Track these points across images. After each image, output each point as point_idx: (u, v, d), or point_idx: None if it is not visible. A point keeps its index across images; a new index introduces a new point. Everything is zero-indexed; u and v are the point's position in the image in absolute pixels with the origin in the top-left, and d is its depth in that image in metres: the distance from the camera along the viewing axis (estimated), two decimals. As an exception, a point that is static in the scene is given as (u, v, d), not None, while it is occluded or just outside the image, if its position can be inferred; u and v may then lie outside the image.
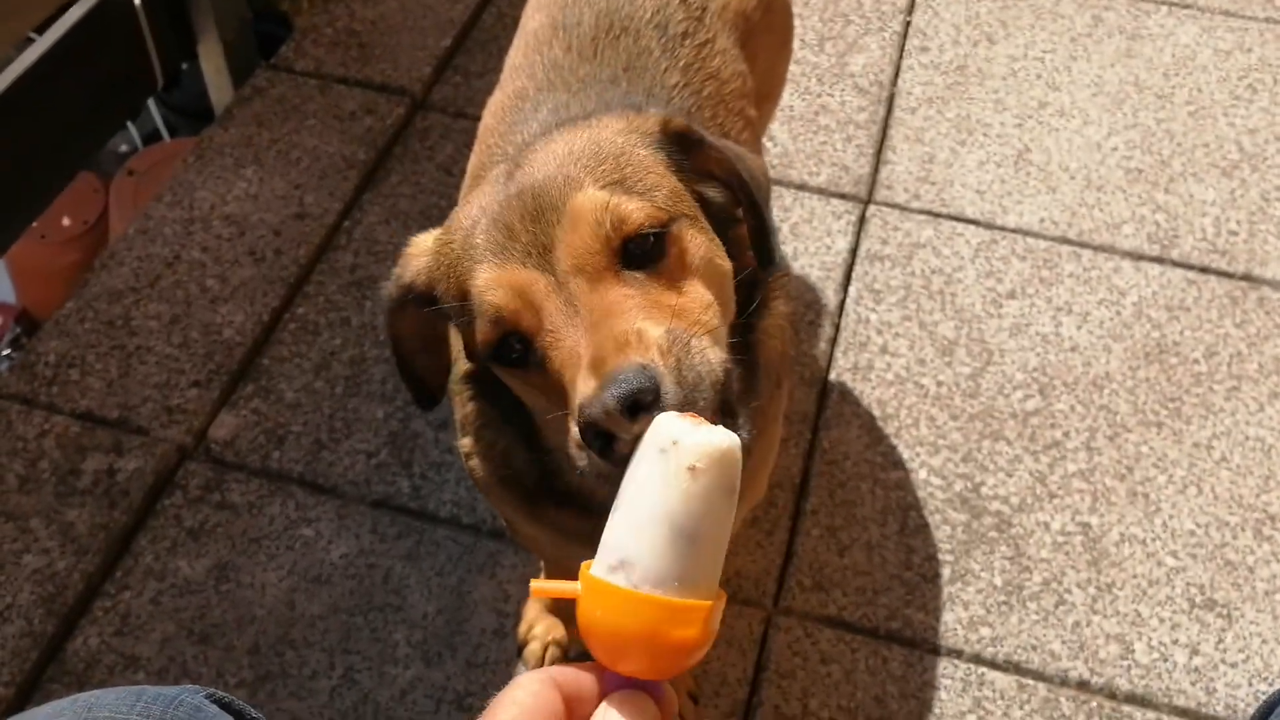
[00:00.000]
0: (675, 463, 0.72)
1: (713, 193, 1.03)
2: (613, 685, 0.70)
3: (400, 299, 1.05)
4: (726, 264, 1.00)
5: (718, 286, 0.97)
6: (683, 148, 1.01)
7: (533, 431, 1.07)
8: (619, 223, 0.90)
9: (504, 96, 1.38)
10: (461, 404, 1.20)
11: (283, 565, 1.68)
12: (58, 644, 1.61)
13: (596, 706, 0.69)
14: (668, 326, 0.85)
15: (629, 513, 0.72)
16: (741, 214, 1.05)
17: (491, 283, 0.91)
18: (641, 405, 0.78)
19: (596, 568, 0.72)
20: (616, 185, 0.93)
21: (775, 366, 1.14)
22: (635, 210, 0.91)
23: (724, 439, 0.73)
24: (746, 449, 1.12)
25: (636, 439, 0.76)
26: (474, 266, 0.93)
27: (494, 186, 0.98)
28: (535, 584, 0.73)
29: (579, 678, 0.70)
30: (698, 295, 0.92)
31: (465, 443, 1.20)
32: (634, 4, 1.35)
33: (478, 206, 0.97)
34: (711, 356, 0.85)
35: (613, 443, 0.78)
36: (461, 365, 1.13)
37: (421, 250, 1.04)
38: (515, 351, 0.92)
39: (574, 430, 0.84)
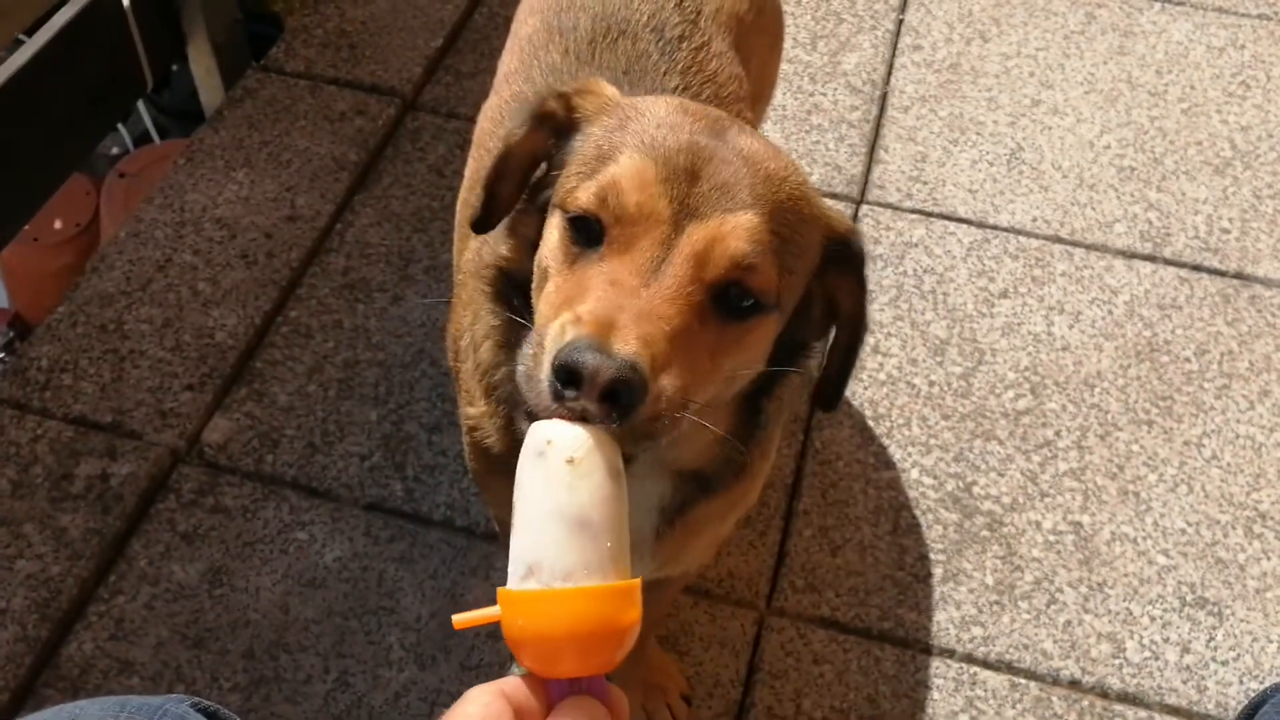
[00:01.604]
0: (553, 460, 0.75)
1: (818, 309, 1.01)
2: (558, 694, 0.71)
3: (552, 112, 1.01)
4: (761, 367, 0.98)
5: (739, 378, 0.96)
6: (840, 263, 0.99)
7: None
8: (751, 270, 0.88)
9: (500, 101, 1.38)
10: (471, 356, 1.15)
11: (276, 569, 1.68)
12: (52, 649, 1.61)
13: (545, 718, 0.70)
14: (681, 389, 0.83)
15: (524, 522, 0.75)
16: (829, 348, 1.04)
17: (636, 176, 0.89)
18: (615, 402, 0.78)
19: (509, 583, 0.74)
20: (779, 241, 0.90)
21: (778, 416, 1.13)
22: (769, 277, 0.89)
23: (595, 427, 0.77)
24: (736, 472, 1.11)
25: (582, 410, 0.78)
26: (639, 151, 0.91)
27: (709, 118, 0.95)
28: (458, 618, 0.74)
29: (528, 690, 0.71)
30: (717, 375, 0.90)
31: (474, 412, 1.17)
32: (630, 8, 1.35)
33: (682, 113, 0.95)
34: (668, 433, 0.84)
35: (566, 388, 0.78)
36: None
37: (606, 93, 1.00)
38: (589, 232, 0.90)
39: (553, 334, 0.82)
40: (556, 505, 0.74)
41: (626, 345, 0.80)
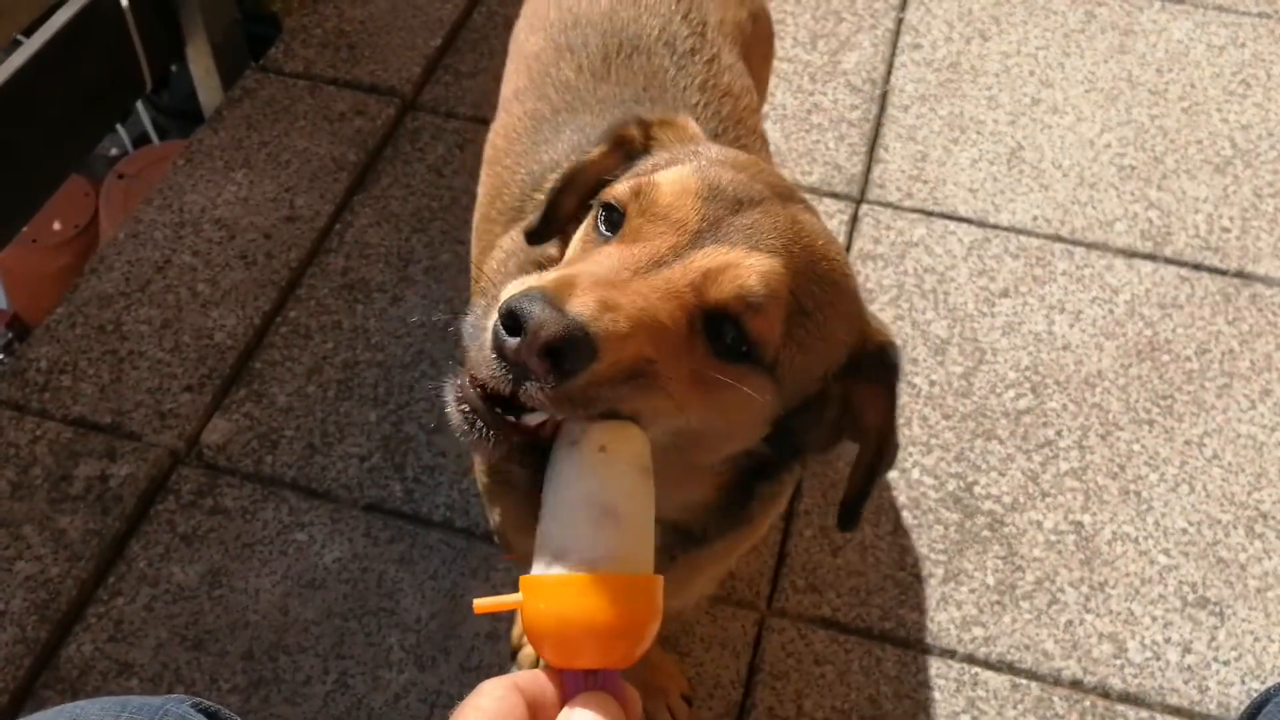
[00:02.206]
0: (586, 448, 0.75)
1: (832, 413, 0.94)
2: (573, 689, 0.71)
3: (631, 137, 0.99)
4: (744, 438, 0.92)
5: (715, 438, 0.90)
6: (872, 372, 0.93)
7: None
8: (747, 310, 0.82)
9: (513, 120, 1.37)
10: None
11: (276, 570, 1.68)
12: (51, 651, 1.60)
13: (559, 711, 0.70)
14: (646, 364, 0.77)
15: (553, 509, 0.75)
16: (852, 465, 0.98)
17: (679, 184, 0.86)
18: (556, 361, 0.72)
19: (534, 569, 0.74)
20: (795, 303, 0.84)
21: (762, 507, 1.09)
22: (766, 328, 0.82)
23: (629, 422, 0.76)
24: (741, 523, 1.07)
25: (515, 359, 0.72)
26: (688, 165, 0.89)
27: (770, 172, 0.93)
28: (479, 602, 0.73)
29: (542, 683, 0.71)
30: (685, 413, 0.83)
31: None
32: (639, 23, 1.35)
33: (749, 160, 0.93)
34: (614, 406, 0.77)
35: (510, 335, 0.73)
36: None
37: (690, 130, 1.00)
38: (608, 215, 0.88)
39: (503, 292, 0.76)
40: (586, 493, 0.74)
41: (582, 306, 0.73)
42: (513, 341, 0.72)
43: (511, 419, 0.78)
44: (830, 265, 0.89)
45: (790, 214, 0.89)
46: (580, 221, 1.00)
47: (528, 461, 0.81)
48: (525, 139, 1.32)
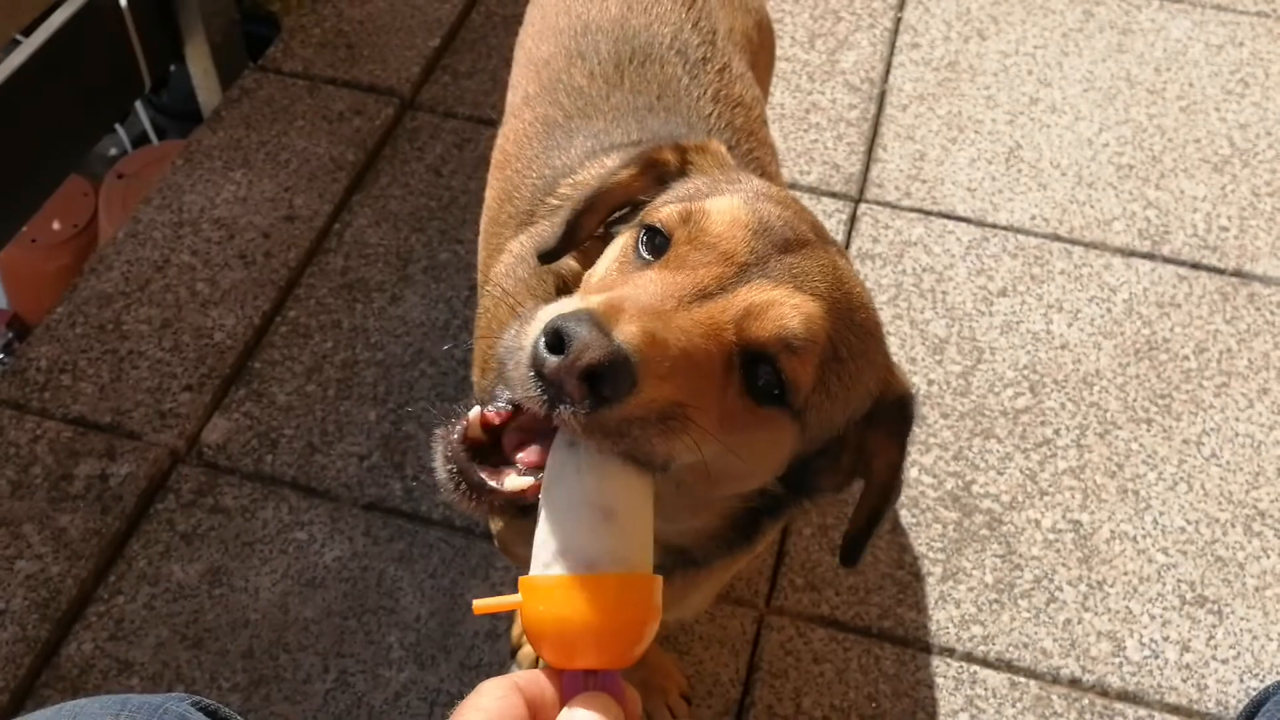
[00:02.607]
0: (584, 449, 0.75)
1: (848, 459, 0.95)
2: (572, 689, 0.71)
3: (665, 161, 0.99)
4: (764, 477, 0.92)
5: (738, 476, 0.89)
6: (887, 422, 0.93)
7: None
8: (786, 352, 0.81)
9: (523, 125, 1.36)
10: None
11: (276, 569, 1.68)
12: (51, 649, 1.61)
13: (559, 711, 0.70)
14: (682, 407, 0.77)
15: (551, 510, 0.75)
16: (856, 505, 0.99)
17: (731, 215, 0.85)
18: (596, 387, 0.72)
19: (532, 570, 0.74)
20: (831, 350, 0.85)
21: (764, 536, 1.09)
22: (802, 374, 0.82)
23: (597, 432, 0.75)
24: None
25: (554, 380, 0.72)
26: (739, 197, 0.88)
27: (809, 212, 0.93)
28: (478, 603, 0.73)
29: (542, 683, 0.71)
30: (710, 452, 0.82)
31: None
32: (650, 30, 1.35)
33: (791, 199, 0.93)
34: (652, 450, 0.77)
35: (550, 354, 0.72)
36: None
37: (726, 157, 1.00)
38: (651, 238, 0.87)
39: (544, 311, 0.77)
40: (585, 494, 0.74)
41: (629, 335, 0.72)
42: (554, 360, 0.71)
43: (494, 485, 0.79)
44: (866, 314, 0.90)
45: (832, 258, 0.89)
46: (599, 239, 1.00)
47: (511, 514, 0.81)
48: (536, 144, 1.32)
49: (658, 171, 1.00)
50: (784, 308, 0.82)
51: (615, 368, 0.71)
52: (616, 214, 1.03)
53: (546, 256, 1.05)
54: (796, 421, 0.86)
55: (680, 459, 0.79)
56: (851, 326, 0.87)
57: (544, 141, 1.31)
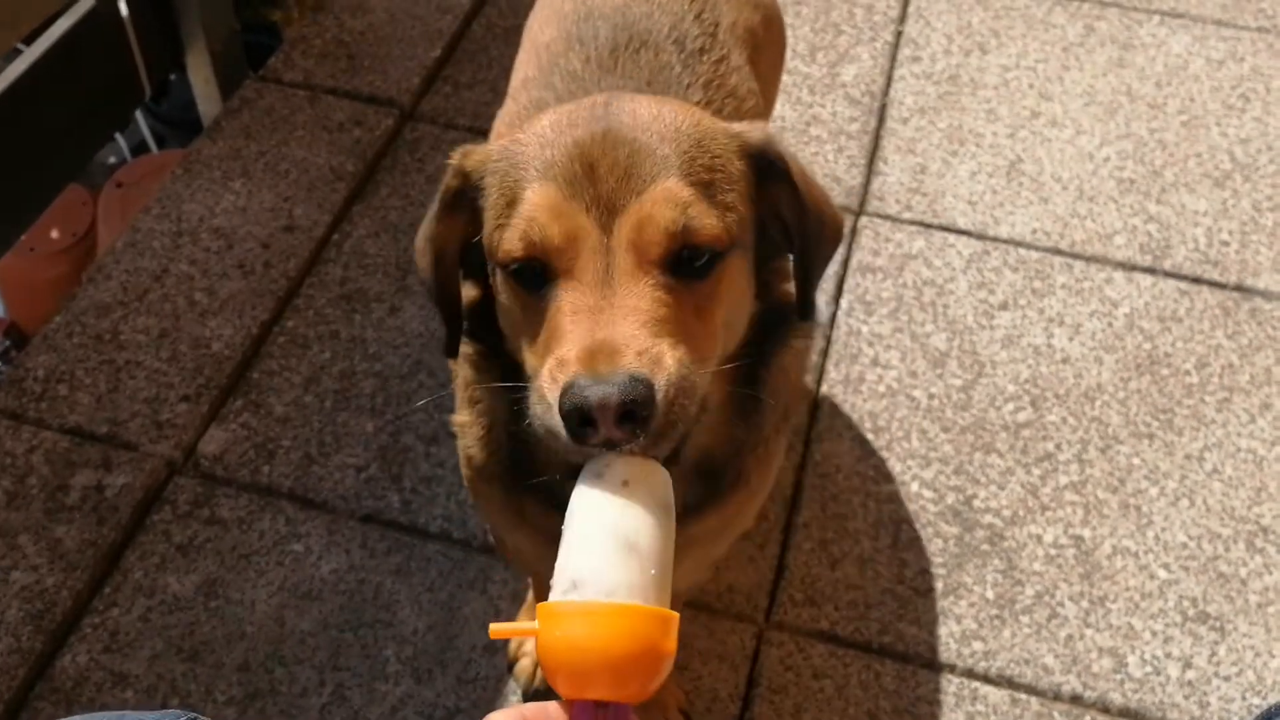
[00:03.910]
0: (610, 481, 0.78)
1: (774, 226, 1.03)
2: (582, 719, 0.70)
3: (457, 192, 1.01)
4: (750, 305, 1.00)
5: (733, 322, 0.97)
6: (770, 174, 1.00)
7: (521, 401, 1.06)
8: (691, 231, 0.90)
9: (518, 108, 1.38)
10: (459, 367, 1.18)
11: (272, 581, 1.67)
12: (46, 661, 1.59)
13: None
14: (682, 361, 0.85)
15: (574, 539, 0.76)
16: (794, 261, 1.06)
17: (547, 208, 0.90)
18: (633, 420, 0.80)
19: (551, 596, 0.75)
20: (703, 188, 0.92)
21: (785, 397, 1.13)
22: (710, 226, 0.91)
23: (653, 460, 0.81)
24: (735, 481, 1.11)
25: (606, 441, 0.80)
26: (537, 180, 0.92)
27: (585, 111, 0.96)
28: (495, 627, 0.74)
29: (550, 715, 0.70)
30: (713, 331, 0.92)
31: (460, 420, 1.19)
32: (650, 19, 1.36)
33: (561, 121, 0.95)
34: (694, 409, 0.86)
35: (585, 427, 0.80)
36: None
37: (486, 148, 1.02)
38: (533, 275, 0.91)
39: (545, 385, 0.85)
40: (608, 525, 0.75)
41: (618, 363, 0.81)
42: (592, 433, 0.80)
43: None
44: (688, 127, 0.95)
45: (625, 126, 0.93)
46: (471, 273, 1.05)
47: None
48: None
49: (461, 200, 1.02)
50: (652, 217, 0.89)
51: (634, 396, 0.80)
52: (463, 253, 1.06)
53: (450, 349, 1.10)
54: (737, 251, 0.94)
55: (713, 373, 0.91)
56: (691, 153, 0.93)
57: None
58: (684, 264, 0.90)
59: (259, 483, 1.78)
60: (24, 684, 1.57)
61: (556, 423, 0.82)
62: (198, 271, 2.04)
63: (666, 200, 0.89)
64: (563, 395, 0.81)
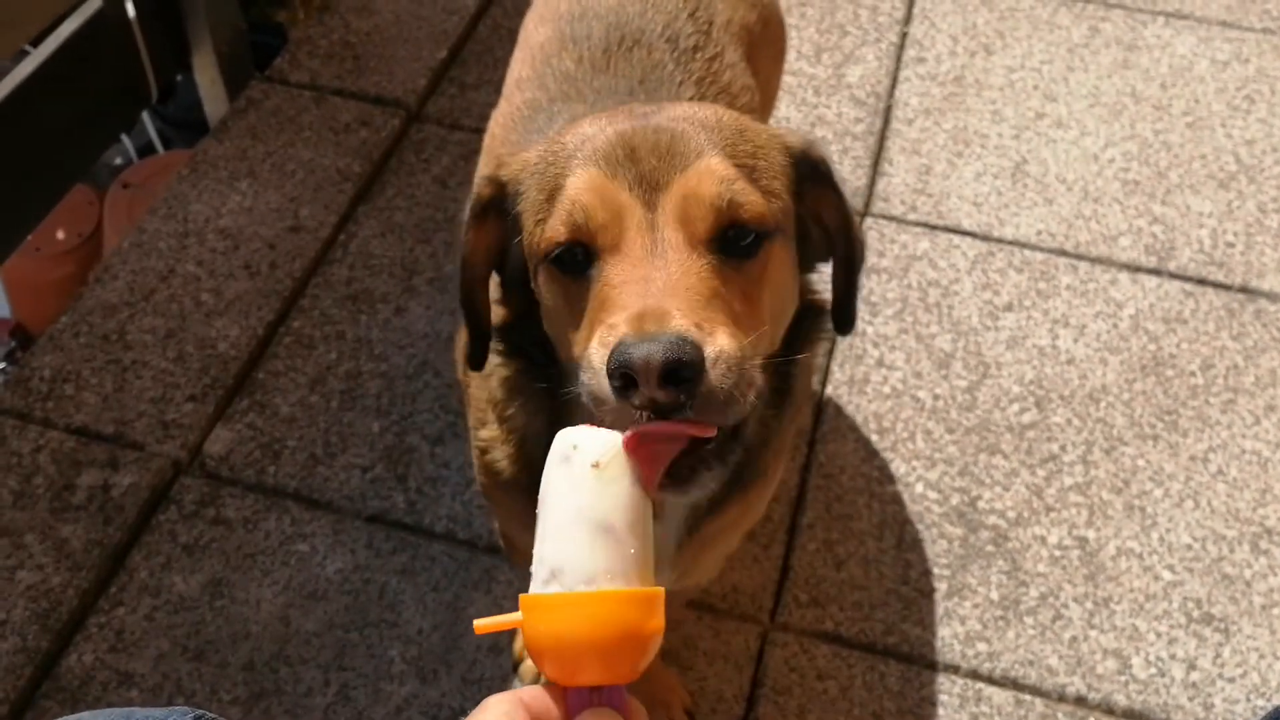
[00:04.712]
0: (579, 464, 0.75)
1: (814, 232, 1.03)
2: (578, 705, 0.71)
3: (490, 199, 1.01)
4: (795, 301, 1.00)
5: (779, 314, 0.97)
6: (812, 177, 1.00)
7: (555, 408, 1.05)
8: (736, 205, 0.89)
9: (512, 108, 1.38)
10: (483, 384, 1.16)
11: (277, 581, 1.68)
12: (52, 661, 1.60)
13: None
14: (740, 342, 0.83)
15: (548, 527, 0.75)
16: (832, 271, 1.06)
17: (590, 187, 0.90)
18: (679, 379, 0.78)
19: (532, 588, 0.74)
20: (746, 170, 0.92)
21: (799, 399, 1.14)
22: (755, 203, 0.90)
23: (620, 435, 0.77)
24: (756, 474, 1.11)
25: (650, 402, 0.78)
26: (579, 167, 0.92)
27: (626, 110, 0.97)
28: (479, 622, 0.73)
29: (547, 700, 0.71)
30: (760, 317, 0.91)
31: (486, 435, 1.17)
32: (644, 18, 1.36)
33: (602, 119, 0.96)
34: (752, 393, 0.84)
35: (629, 389, 0.78)
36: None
37: (524, 155, 1.01)
38: (574, 261, 0.91)
39: (596, 351, 0.83)
40: (581, 510, 0.74)
41: (664, 323, 0.80)
42: (635, 392, 0.78)
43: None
44: (728, 120, 0.95)
45: (666, 118, 0.94)
46: (507, 288, 1.04)
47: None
48: (521, 128, 1.33)
49: (495, 209, 1.02)
50: (697, 191, 0.88)
51: (679, 355, 0.77)
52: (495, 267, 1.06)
53: (475, 361, 1.09)
54: (778, 234, 0.94)
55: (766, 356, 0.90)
56: (732, 140, 0.93)
57: (528, 125, 1.32)
58: (730, 244, 0.89)
59: (264, 483, 1.78)
60: (30, 683, 1.57)
61: (606, 389, 0.80)
62: (204, 272, 2.05)
63: (711, 175, 0.89)
64: (610, 357, 0.79)
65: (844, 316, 1.09)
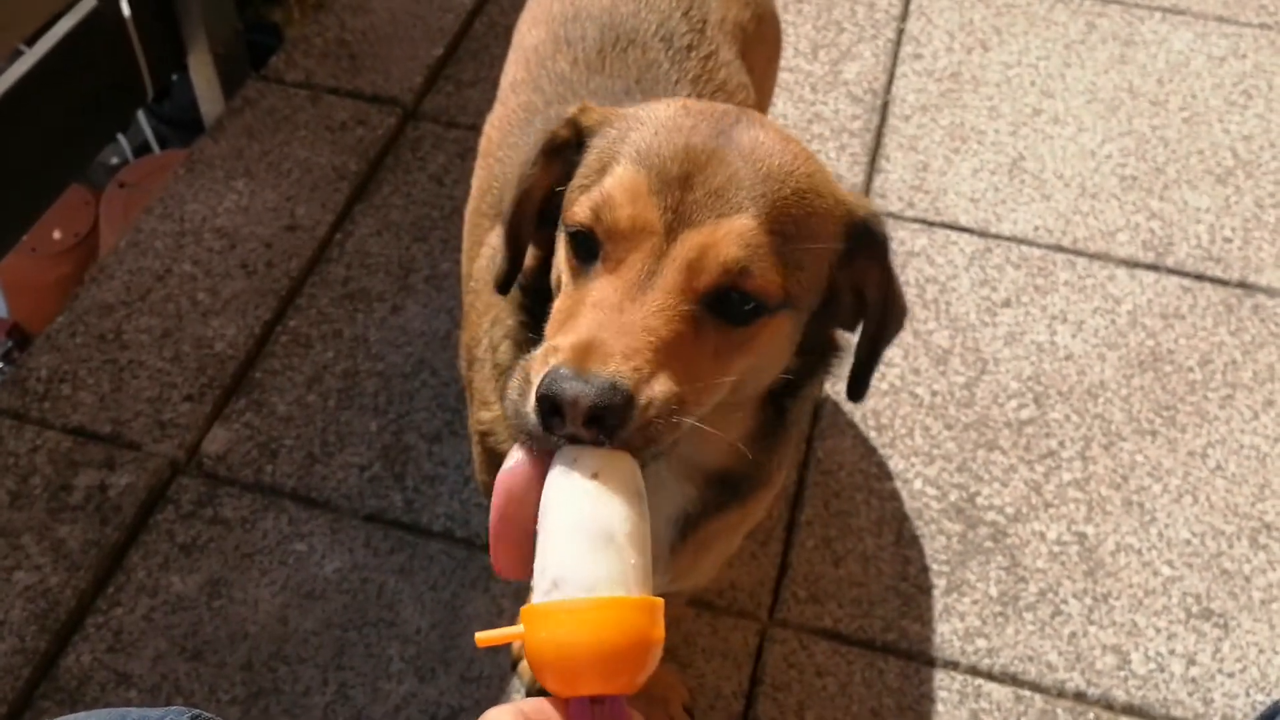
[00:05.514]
0: (578, 475, 0.76)
1: (847, 298, 0.99)
2: (579, 717, 0.70)
3: (565, 142, 0.99)
4: (784, 363, 0.97)
5: (758, 374, 0.95)
6: (863, 248, 0.97)
7: None
8: (747, 275, 0.86)
9: (507, 111, 1.38)
10: (487, 363, 1.15)
11: (275, 581, 1.67)
12: (50, 661, 1.60)
13: None
14: (673, 393, 0.82)
15: (549, 537, 0.76)
16: (859, 338, 1.03)
17: (630, 191, 0.88)
18: (601, 424, 0.78)
19: (533, 598, 0.74)
20: (780, 239, 0.88)
21: (795, 423, 1.12)
22: (769, 280, 0.87)
23: (622, 449, 0.79)
24: (758, 484, 1.09)
25: (570, 436, 0.79)
26: (634, 162, 0.90)
27: (712, 119, 0.93)
28: (481, 636, 0.73)
29: (547, 711, 0.70)
30: (726, 372, 0.89)
31: (488, 417, 1.16)
32: (638, 17, 1.36)
33: (685, 118, 0.93)
34: (674, 436, 0.84)
35: (552, 418, 0.79)
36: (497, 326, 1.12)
37: (608, 111, 1.00)
38: (587, 246, 0.90)
39: (534, 366, 0.83)
40: (581, 520, 0.74)
41: (605, 367, 0.79)
42: (558, 423, 0.79)
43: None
44: (794, 177, 0.91)
45: (739, 148, 0.90)
46: (543, 230, 1.02)
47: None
48: (517, 131, 1.33)
49: (564, 152, 1.00)
50: (718, 246, 0.85)
51: (606, 404, 0.78)
52: (545, 205, 1.04)
53: (502, 285, 1.07)
54: (786, 311, 0.90)
55: (711, 409, 0.88)
56: (786, 201, 0.89)
57: (524, 129, 1.32)
58: (728, 304, 0.87)
59: (262, 482, 1.78)
60: (28, 684, 1.57)
61: (530, 406, 0.80)
62: (200, 271, 2.05)
63: (738, 239, 0.86)
64: (543, 380, 0.79)
65: (859, 386, 1.06)
